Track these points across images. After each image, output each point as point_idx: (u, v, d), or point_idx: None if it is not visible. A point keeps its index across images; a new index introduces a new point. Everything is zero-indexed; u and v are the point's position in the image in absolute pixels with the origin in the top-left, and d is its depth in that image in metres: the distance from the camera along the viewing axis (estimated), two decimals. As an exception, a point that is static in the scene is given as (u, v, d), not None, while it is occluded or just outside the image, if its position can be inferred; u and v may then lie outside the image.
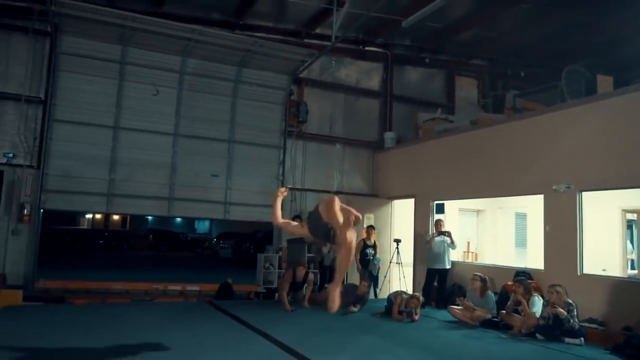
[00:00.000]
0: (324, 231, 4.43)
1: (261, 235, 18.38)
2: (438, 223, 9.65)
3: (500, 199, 11.64)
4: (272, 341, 5.96)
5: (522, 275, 8.20)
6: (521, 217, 12.74)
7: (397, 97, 12.75)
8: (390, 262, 10.26)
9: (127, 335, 5.97)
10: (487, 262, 10.71)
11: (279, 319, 7.58)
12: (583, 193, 7.59)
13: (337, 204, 4.32)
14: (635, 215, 10.35)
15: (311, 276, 9.17)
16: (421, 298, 8.37)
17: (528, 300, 7.12)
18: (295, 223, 5.49)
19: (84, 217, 37.34)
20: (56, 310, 7.63)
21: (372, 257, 10.22)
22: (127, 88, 9.86)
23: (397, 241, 10.34)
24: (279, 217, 5.28)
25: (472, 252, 11.70)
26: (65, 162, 9.36)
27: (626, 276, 8.96)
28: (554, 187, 7.83)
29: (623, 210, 9.84)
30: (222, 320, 7.37)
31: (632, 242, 10.83)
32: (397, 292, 8.67)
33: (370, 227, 10.45)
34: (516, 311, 7.38)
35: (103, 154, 9.63)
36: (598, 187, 7.44)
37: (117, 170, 9.71)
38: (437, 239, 9.43)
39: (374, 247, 10.36)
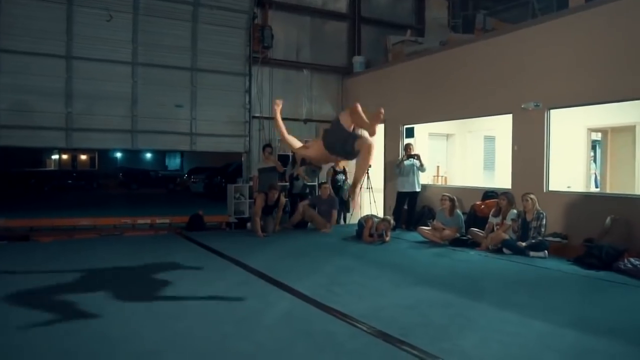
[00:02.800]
0: (342, 142, 4.65)
1: (233, 168, 18.17)
2: (407, 147, 9.61)
3: (470, 122, 11.66)
4: (244, 267, 5.96)
5: (490, 193, 8.33)
6: (489, 140, 12.86)
7: (366, 20, 12.30)
8: (360, 188, 10.26)
9: (96, 267, 5.87)
10: (468, 183, 10.79)
11: (251, 246, 7.59)
12: (551, 111, 7.58)
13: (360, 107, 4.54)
14: (599, 135, 10.50)
15: (283, 199, 9.18)
16: (392, 221, 8.48)
17: (507, 214, 7.28)
18: (298, 143, 5.45)
19: (50, 158, 36.39)
20: (21, 248, 7.44)
21: (342, 183, 10.24)
22: (77, 13, 9.16)
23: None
24: (285, 133, 5.37)
25: (442, 176, 11.83)
26: (17, 95, 8.79)
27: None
28: (522, 106, 7.78)
29: (589, 129, 9.97)
30: (194, 250, 7.33)
31: (595, 161, 11.08)
32: (367, 215, 8.75)
33: None
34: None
35: (57, 85, 9.08)
36: (566, 104, 7.42)
37: (74, 103, 9.22)
38: (407, 162, 9.43)
39: (344, 172, 10.36)
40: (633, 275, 5.58)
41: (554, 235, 7.18)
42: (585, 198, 7.42)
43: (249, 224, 9.50)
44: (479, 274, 5.84)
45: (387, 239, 8.14)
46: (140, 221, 9.58)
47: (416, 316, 4.06)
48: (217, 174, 19.17)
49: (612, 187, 9.85)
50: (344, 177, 10.31)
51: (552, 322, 3.90)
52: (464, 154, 12.72)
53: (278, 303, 4.41)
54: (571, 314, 4.18)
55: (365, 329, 3.70)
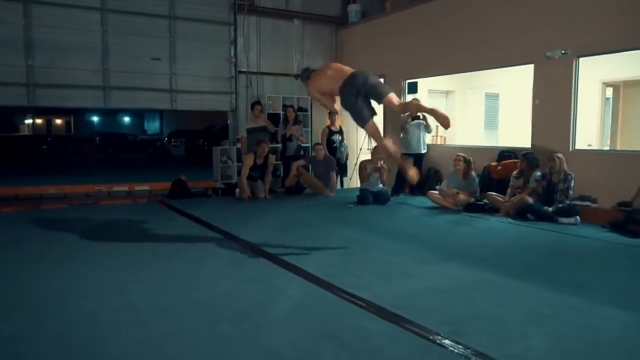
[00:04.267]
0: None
1: (215, 130, 17.15)
2: (411, 103, 8.65)
3: (472, 78, 10.86)
4: (237, 242, 5.10)
5: (507, 153, 7.54)
6: (491, 97, 12.11)
7: (361, -36, 11.17)
8: (360, 149, 9.40)
9: (62, 242, 4.97)
10: (468, 144, 9.97)
11: (242, 215, 6.73)
12: (580, 59, 6.71)
13: None
14: (611, 91, 9.73)
15: (272, 158, 8.33)
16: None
17: (529, 176, 6.53)
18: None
19: (24, 122, 34.67)
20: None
21: (339, 144, 9.35)
22: (33, -50, 7.93)
23: (369, 125, 9.40)
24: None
25: (441, 136, 11.02)
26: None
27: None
28: (547, 54, 6.89)
29: (603, 83, 9.19)
30: (177, 220, 6.43)
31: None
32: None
33: (332, 113, 9.45)
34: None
35: (14, 34, 7.88)
36: (599, 50, 6.53)
37: (35, 55, 8.06)
38: (413, 122, 8.53)
39: (341, 132, 9.46)
40: (686, 244, 4.88)
41: (582, 198, 6.43)
42: (615, 157, 6.66)
43: (237, 190, 8.62)
44: (510, 244, 5.08)
45: (385, 173, 7.67)
46: (117, 188, 8.60)
47: (461, 304, 3.26)
48: (199, 136, 18.11)
49: (624, 146, 9.19)
50: (340, 138, 9.42)
51: (634, 309, 3.15)
52: (464, 112, 11.93)
53: (286, 289, 3.57)
54: (647, 297, 3.43)
55: (404, 324, 2.89)
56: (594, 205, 6.34)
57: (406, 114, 8.59)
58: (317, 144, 8.95)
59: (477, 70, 8.69)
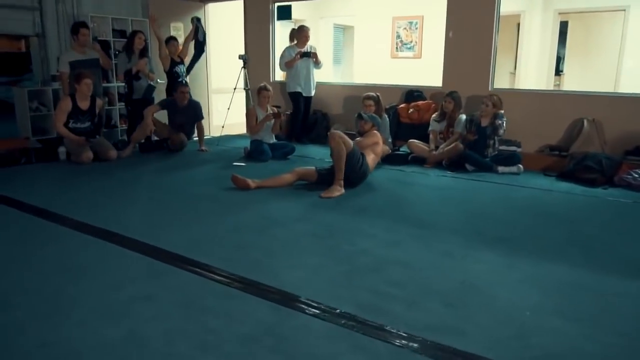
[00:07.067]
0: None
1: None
2: (302, 31, 7.02)
3: (323, 7, 9.94)
4: (131, 245, 3.14)
5: (417, 93, 6.57)
6: (340, 29, 11.31)
7: None
8: (235, 88, 7.43)
9: None
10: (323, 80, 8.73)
11: (106, 195, 4.51)
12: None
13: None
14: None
15: (99, 102, 6.00)
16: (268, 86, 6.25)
17: (454, 120, 5.66)
18: None
19: None
20: None
21: (182, 76, 7.17)
22: None
23: (243, 59, 7.49)
24: None
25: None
26: None
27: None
28: (467, -23, 5.93)
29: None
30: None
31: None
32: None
33: (173, 39, 7.16)
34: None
35: None
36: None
37: None
38: (302, 59, 6.96)
39: (183, 63, 7.25)
40: (651, 191, 4.54)
41: (507, 143, 5.83)
42: (536, 96, 6.09)
43: (61, 150, 6.10)
44: (497, 208, 4.06)
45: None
46: None
47: (623, 345, 2.09)
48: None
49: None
50: (184, 70, 7.21)
51: None
52: (317, 44, 10.83)
53: (305, 342, 1.95)
54: None
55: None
56: (519, 149, 5.79)
57: (294, 43, 7.06)
58: (180, 85, 6.62)
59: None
